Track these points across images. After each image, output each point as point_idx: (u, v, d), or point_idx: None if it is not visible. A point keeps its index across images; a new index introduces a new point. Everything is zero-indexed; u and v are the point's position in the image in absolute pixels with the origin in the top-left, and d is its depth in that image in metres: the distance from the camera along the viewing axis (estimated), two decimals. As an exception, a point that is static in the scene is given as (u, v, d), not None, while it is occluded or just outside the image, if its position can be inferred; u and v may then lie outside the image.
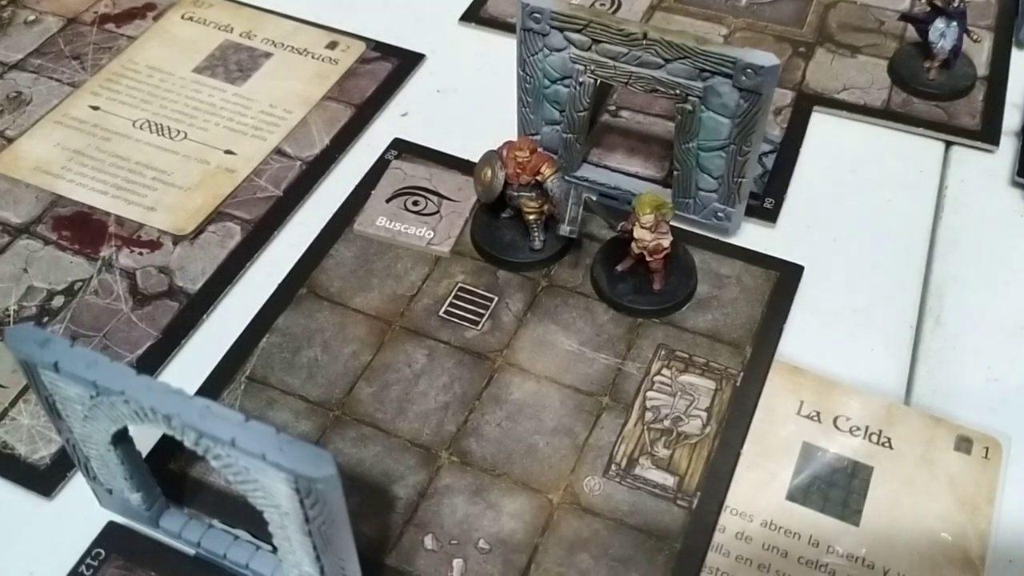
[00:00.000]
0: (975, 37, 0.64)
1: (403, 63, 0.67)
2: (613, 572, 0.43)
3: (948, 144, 0.62)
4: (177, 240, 0.56)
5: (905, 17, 0.66)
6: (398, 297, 0.53)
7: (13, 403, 0.49)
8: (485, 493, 0.45)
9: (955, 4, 0.62)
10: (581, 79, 0.54)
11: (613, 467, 0.46)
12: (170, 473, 0.46)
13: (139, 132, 0.62)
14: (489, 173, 0.53)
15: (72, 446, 0.40)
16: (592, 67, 0.53)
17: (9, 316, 0.53)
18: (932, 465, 0.46)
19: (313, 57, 0.68)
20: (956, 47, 0.63)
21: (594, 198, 0.56)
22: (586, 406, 0.48)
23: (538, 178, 0.51)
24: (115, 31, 0.70)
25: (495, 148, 0.53)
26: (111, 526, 0.44)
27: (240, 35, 0.69)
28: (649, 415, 0.48)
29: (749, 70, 0.49)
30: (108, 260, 0.55)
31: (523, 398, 0.49)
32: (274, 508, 0.35)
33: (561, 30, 0.53)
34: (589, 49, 0.53)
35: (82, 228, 0.57)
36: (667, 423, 0.48)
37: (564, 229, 0.51)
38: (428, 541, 0.44)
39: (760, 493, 0.45)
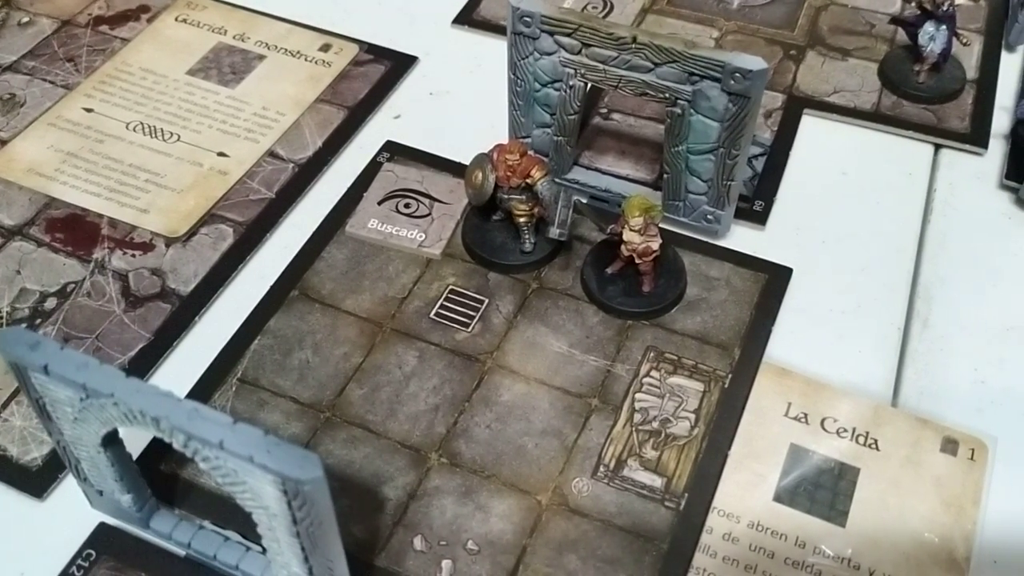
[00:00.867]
0: (964, 40, 0.64)
1: (396, 65, 0.68)
2: (601, 573, 0.43)
3: (937, 147, 0.62)
4: (170, 242, 0.56)
5: (895, 20, 0.67)
6: (389, 299, 0.53)
7: (5, 405, 0.49)
8: (474, 494, 0.46)
9: (944, 8, 0.62)
10: (571, 83, 0.54)
11: (601, 468, 0.46)
12: (161, 475, 0.46)
13: (132, 134, 0.63)
14: (480, 176, 0.53)
15: (63, 448, 0.40)
16: (582, 71, 0.53)
17: (2, 318, 0.53)
18: (918, 466, 0.46)
19: (306, 59, 0.68)
20: (945, 50, 0.63)
21: (584, 201, 0.57)
22: (575, 408, 0.49)
23: (528, 181, 0.52)
24: (109, 33, 0.70)
25: (486, 151, 0.53)
26: (102, 527, 0.44)
27: (233, 37, 0.70)
28: (638, 417, 0.48)
29: (737, 74, 0.49)
30: (101, 262, 0.55)
31: (513, 400, 0.49)
32: (262, 509, 0.35)
33: (551, 34, 0.53)
34: (579, 53, 0.53)
35: (75, 230, 0.57)
36: (655, 425, 0.48)
37: (554, 232, 0.52)
38: (417, 542, 0.44)
39: (747, 494, 0.46)
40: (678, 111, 0.52)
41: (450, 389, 0.49)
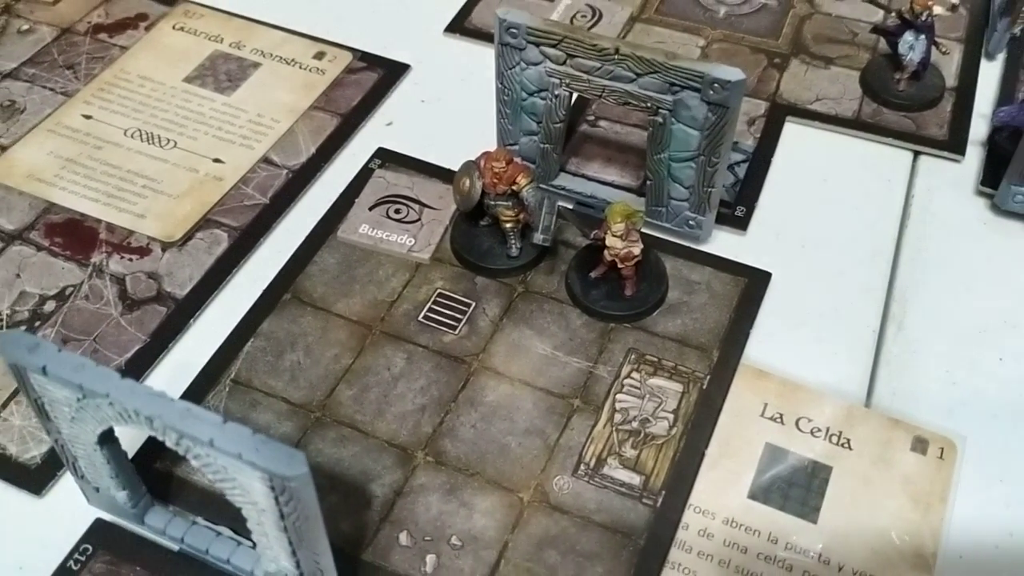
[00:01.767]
0: (943, 49, 0.66)
1: (388, 73, 0.69)
2: (579, 567, 0.45)
3: (916, 154, 0.64)
4: (166, 247, 0.58)
5: (877, 30, 0.68)
6: (379, 303, 0.55)
7: (5, 404, 0.50)
8: (459, 492, 0.47)
9: (923, 18, 0.64)
10: (557, 92, 0.56)
11: (582, 467, 0.48)
12: (156, 472, 0.47)
13: (130, 141, 0.64)
14: (467, 183, 0.55)
15: (61, 446, 0.42)
16: (567, 80, 0.55)
17: (2, 320, 0.54)
18: (889, 465, 0.48)
19: (301, 67, 0.69)
20: (925, 59, 0.65)
21: (569, 207, 0.58)
22: (558, 408, 0.50)
23: (514, 188, 0.53)
24: (108, 41, 0.72)
25: (474, 158, 0.55)
26: (98, 523, 0.46)
27: (230, 45, 0.71)
28: (618, 417, 0.50)
29: (716, 84, 0.51)
30: (99, 266, 0.57)
31: (497, 400, 0.50)
32: (251, 505, 0.37)
33: (537, 45, 0.54)
34: (564, 63, 0.54)
35: (74, 235, 0.59)
36: (635, 425, 0.49)
37: (538, 237, 0.53)
38: (403, 538, 0.46)
39: (723, 492, 0.47)
40: (660, 120, 0.54)
41: (437, 390, 0.51)
